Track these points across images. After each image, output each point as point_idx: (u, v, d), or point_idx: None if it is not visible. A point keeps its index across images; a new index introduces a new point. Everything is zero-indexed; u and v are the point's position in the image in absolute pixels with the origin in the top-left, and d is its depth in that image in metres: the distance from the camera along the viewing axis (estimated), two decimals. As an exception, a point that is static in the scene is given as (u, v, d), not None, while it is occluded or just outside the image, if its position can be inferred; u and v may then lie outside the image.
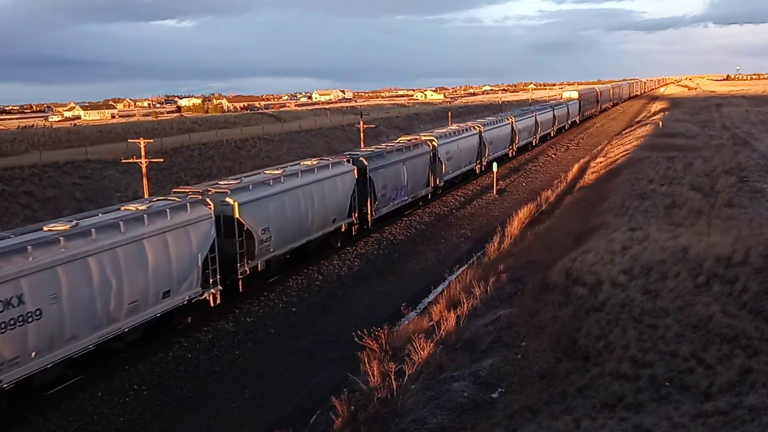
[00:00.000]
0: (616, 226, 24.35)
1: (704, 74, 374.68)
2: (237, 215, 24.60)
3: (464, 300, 19.68)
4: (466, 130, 52.30)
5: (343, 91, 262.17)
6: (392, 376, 14.74)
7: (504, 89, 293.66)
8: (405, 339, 18.17)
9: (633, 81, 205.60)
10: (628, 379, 12.77)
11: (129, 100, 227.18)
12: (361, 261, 31.72)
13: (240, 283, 25.24)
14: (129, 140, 45.06)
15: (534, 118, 71.86)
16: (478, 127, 54.76)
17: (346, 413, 14.16)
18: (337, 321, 24.25)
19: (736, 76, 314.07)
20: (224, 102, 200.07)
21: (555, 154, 68.86)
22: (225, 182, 26.93)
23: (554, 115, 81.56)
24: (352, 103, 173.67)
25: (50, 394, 18.45)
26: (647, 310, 15.69)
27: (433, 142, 44.59)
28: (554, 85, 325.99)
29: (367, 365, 15.96)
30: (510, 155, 63.35)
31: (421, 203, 42.96)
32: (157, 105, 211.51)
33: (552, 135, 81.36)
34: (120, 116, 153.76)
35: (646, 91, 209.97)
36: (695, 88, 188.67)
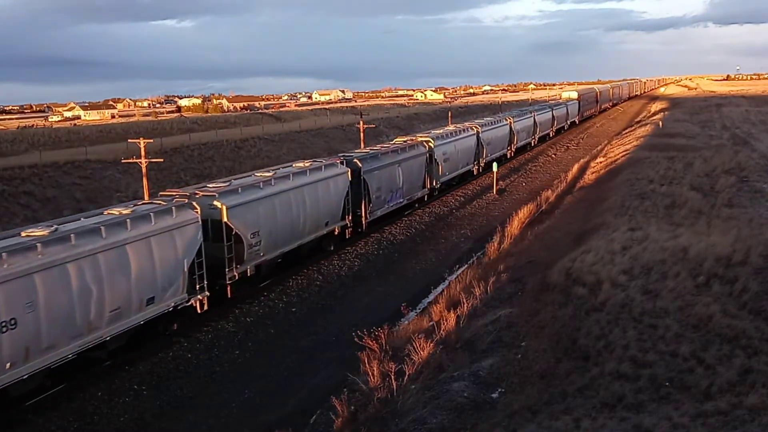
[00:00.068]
0: (616, 226, 24.35)
1: (704, 74, 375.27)
2: (225, 219, 24.12)
3: (464, 300, 19.68)
4: (464, 130, 51.73)
5: (343, 91, 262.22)
6: (392, 376, 14.75)
7: (504, 89, 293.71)
8: (405, 339, 18.17)
9: (633, 81, 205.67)
10: (628, 379, 12.77)
11: (129, 100, 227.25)
12: (361, 261, 31.72)
13: (228, 288, 24.72)
14: (129, 140, 45.03)
15: (532, 118, 71.51)
16: (476, 127, 54.18)
17: (346, 413, 14.16)
18: (337, 321, 24.25)
19: (736, 76, 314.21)
20: (224, 102, 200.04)
21: (555, 154, 68.86)
22: (213, 185, 26.39)
23: (553, 116, 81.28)
24: (352, 103, 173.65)
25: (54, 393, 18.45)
26: (647, 310, 15.70)
27: (430, 143, 43.99)
28: (554, 85, 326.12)
29: (367, 365, 15.96)
30: (508, 156, 62.95)
31: (417, 205, 42.49)
32: (157, 105, 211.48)
33: (551, 135, 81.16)
34: (120, 116, 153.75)
35: (646, 91, 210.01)
36: (695, 88, 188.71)
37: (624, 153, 50.46)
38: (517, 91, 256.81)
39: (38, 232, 18.19)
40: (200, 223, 22.87)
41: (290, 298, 26.58)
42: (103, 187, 44.89)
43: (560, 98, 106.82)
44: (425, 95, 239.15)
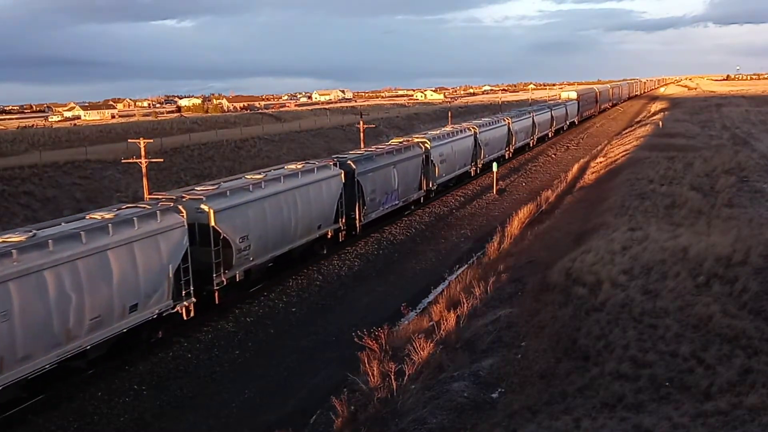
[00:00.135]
0: (616, 226, 24.35)
1: (704, 74, 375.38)
2: (212, 223, 23.55)
3: (464, 300, 19.68)
4: (461, 131, 51.21)
5: (343, 91, 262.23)
6: (392, 376, 14.75)
7: (504, 89, 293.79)
8: (405, 339, 18.17)
9: (633, 81, 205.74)
10: (628, 379, 12.77)
11: (129, 100, 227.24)
12: (361, 261, 31.72)
13: (216, 294, 24.17)
14: (129, 140, 45.00)
15: (531, 119, 71.17)
16: (473, 128, 53.63)
17: (346, 413, 14.16)
18: (337, 321, 24.25)
19: (736, 76, 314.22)
20: (224, 102, 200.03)
21: (555, 154, 68.86)
22: (201, 188, 25.80)
23: (552, 116, 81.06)
24: (352, 103, 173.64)
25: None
26: (647, 310, 15.70)
27: (426, 144, 43.45)
28: (554, 85, 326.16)
29: (367, 365, 15.96)
30: (506, 157, 62.46)
31: (413, 207, 42.01)
32: (157, 105, 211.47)
33: (550, 136, 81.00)
34: (120, 116, 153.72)
35: (646, 91, 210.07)
36: (695, 88, 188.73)
37: (624, 153, 50.46)
38: (517, 91, 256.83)
39: (14, 238, 17.60)
40: (186, 227, 22.28)
41: (290, 298, 26.58)
42: (103, 187, 44.89)
43: (559, 98, 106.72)
44: (425, 95, 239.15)
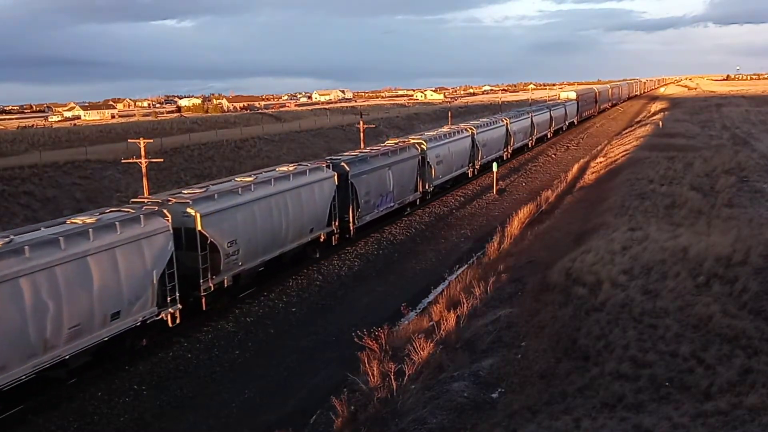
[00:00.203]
0: (616, 226, 24.36)
1: (704, 74, 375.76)
2: (199, 227, 22.87)
3: (464, 300, 19.68)
4: (458, 132, 50.65)
5: (343, 91, 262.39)
6: (392, 376, 14.75)
7: (504, 89, 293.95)
8: (405, 339, 18.17)
9: (633, 81, 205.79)
10: (628, 379, 12.78)
11: (129, 100, 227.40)
12: (361, 261, 31.73)
13: (203, 300, 23.44)
14: (129, 140, 45.08)
15: (530, 119, 70.67)
16: (471, 129, 52.96)
17: (346, 413, 14.17)
18: (337, 321, 24.25)
19: (736, 76, 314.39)
20: (224, 102, 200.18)
21: (555, 155, 68.85)
22: (188, 191, 25.07)
23: (551, 116, 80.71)
24: (352, 103, 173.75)
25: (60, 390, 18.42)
26: (647, 310, 15.70)
27: (422, 146, 42.73)
28: (554, 85, 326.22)
29: (367, 365, 15.96)
30: (505, 158, 61.90)
31: (408, 209, 41.40)
32: (157, 105, 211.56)
33: (549, 137, 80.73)
34: (120, 116, 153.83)
35: (646, 91, 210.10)
36: (695, 88, 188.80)
37: (624, 153, 50.46)
38: (517, 91, 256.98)
39: None
40: (171, 231, 21.67)
41: (290, 298, 26.58)
42: (103, 187, 44.91)
43: (558, 99, 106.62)
44: (425, 95, 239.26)
